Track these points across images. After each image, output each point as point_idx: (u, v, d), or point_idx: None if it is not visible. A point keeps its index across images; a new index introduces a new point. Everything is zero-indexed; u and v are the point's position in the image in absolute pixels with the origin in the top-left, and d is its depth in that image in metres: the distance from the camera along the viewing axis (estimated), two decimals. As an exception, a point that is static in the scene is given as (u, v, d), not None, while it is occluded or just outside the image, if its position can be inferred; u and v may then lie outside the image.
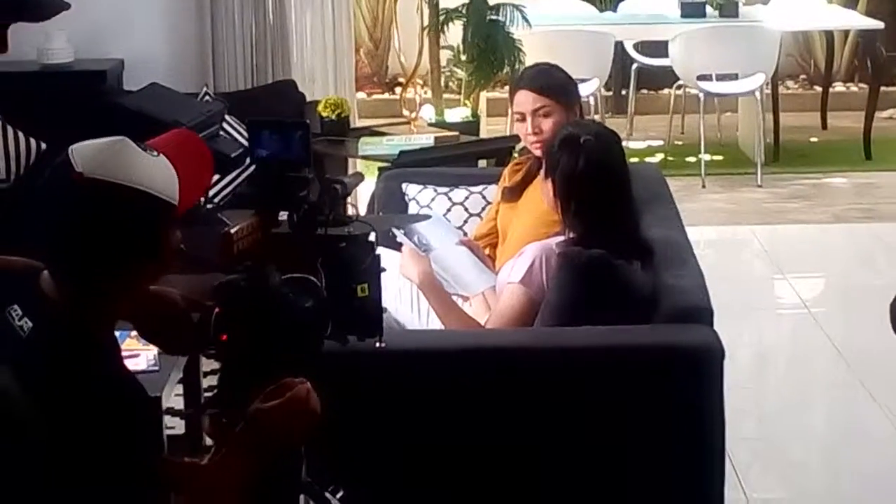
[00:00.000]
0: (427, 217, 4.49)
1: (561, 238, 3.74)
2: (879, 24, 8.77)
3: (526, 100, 4.25)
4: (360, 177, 2.82)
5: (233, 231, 2.59)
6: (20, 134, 5.88)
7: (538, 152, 4.23)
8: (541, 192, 4.12)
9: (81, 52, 6.43)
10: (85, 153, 2.25)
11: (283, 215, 2.72)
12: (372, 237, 2.74)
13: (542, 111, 4.22)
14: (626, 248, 3.65)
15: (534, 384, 3.29)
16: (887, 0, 10.07)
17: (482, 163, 5.99)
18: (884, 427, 4.83)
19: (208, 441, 4.13)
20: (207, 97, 5.92)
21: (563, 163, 3.71)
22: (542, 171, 3.94)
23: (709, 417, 3.29)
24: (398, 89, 10.34)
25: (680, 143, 9.07)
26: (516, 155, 5.15)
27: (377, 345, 2.68)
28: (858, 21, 9.18)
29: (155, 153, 2.30)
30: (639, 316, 3.46)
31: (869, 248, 7.20)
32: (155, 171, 2.28)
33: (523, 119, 4.26)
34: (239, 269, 2.53)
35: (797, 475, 4.59)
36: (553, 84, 4.29)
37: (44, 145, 5.87)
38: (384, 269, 2.75)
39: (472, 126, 7.21)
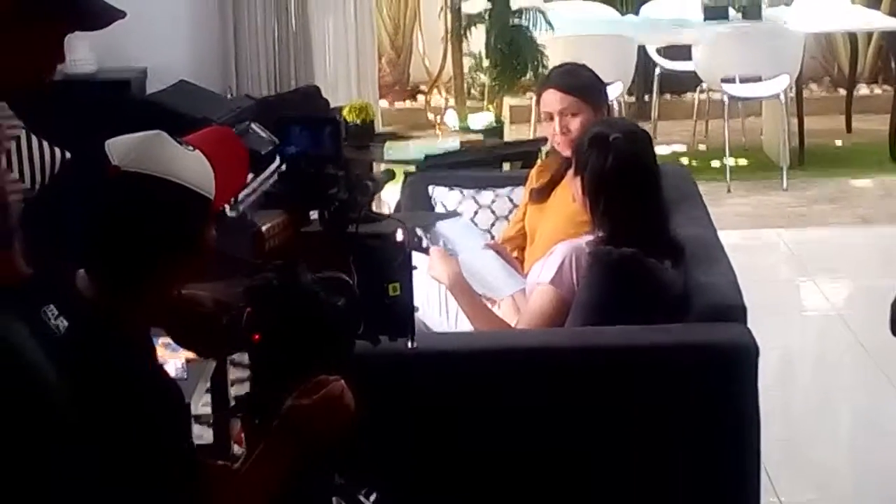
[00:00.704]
0: (458, 214, 4.47)
1: (590, 237, 3.71)
2: (901, 25, 8.73)
3: (553, 99, 4.22)
4: (390, 174, 2.81)
5: (264, 229, 2.57)
6: (44, 143, 5.87)
7: (566, 152, 4.20)
8: (570, 191, 4.10)
9: (104, 62, 6.42)
10: (121, 147, 2.24)
11: (314, 214, 2.71)
12: (403, 235, 2.73)
13: (570, 111, 4.19)
14: (657, 246, 3.62)
15: (566, 384, 3.26)
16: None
17: (506, 167, 5.97)
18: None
19: (237, 449, 4.14)
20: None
21: (593, 161, 3.69)
22: (570, 170, 3.92)
23: (744, 416, 3.26)
24: (420, 97, 10.35)
25: (704, 147, 9.03)
26: (543, 157, 5.13)
27: (409, 345, 2.66)
28: (882, 22, 9.12)
29: (191, 148, 2.29)
30: (670, 315, 3.44)
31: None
32: (191, 166, 2.26)
33: (551, 119, 4.23)
34: (270, 268, 2.51)
35: (828, 477, 4.55)
36: (581, 84, 4.26)
37: (68, 155, 5.85)
38: (416, 268, 2.73)
39: (495, 132, 7.16)
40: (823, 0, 9.24)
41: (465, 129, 7.07)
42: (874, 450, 4.75)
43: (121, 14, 2.63)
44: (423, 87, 10.49)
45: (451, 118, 7.39)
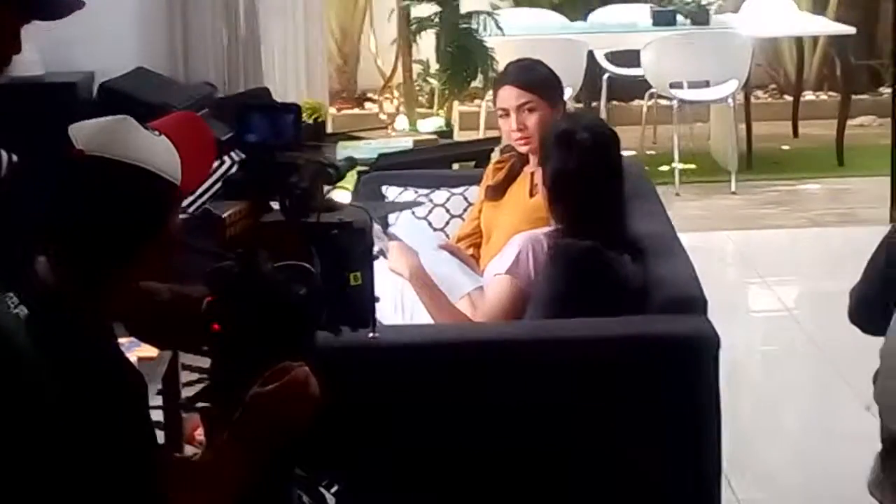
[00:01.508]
0: (419, 204, 4.44)
1: (548, 228, 3.69)
2: (851, 30, 8.78)
3: (510, 95, 4.20)
4: (352, 161, 2.77)
5: (225, 216, 2.54)
6: (-9, 146, 5.79)
7: (523, 149, 4.19)
8: (526, 187, 4.10)
9: (51, 65, 6.34)
10: (85, 131, 2.19)
11: (275, 203, 2.67)
12: (365, 224, 2.69)
13: (527, 107, 4.17)
14: (615, 241, 3.61)
15: (528, 377, 3.23)
16: (855, 8, 10.10)
17: (455, 167, 5.94)
18: (869, 424, 4.80)
19: (188, 450, 4.09)
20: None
21: (557, 157, 3.67)
22: (531, 163, 3.92)
23: (705, 406, 3.24)
24: (368, 105, 10.33)
25: (652, 152, 9.04)
26: (495, 155, 5.11)
27: (370, 335, 2.62)
28: (830, 27, 9.19)
29: (157, 133, 2.24)
30: (631, 307, 3.42)
31: (846, 251, 7.14)
32: (158, 151, 2.22)
33: (507, 115, 4.21)
34: (230, 257, 2.47)
35: (779, 475, 4.56)
36: (537, 79, 4.25)
37: (15, 157, 5.78)
38: (377, 257, 2.69)
39: (445, 137, 7.16)
40: (771, 6, 9.32)
41: (416, 134, 7.05)
42: (828, 448, 4.75)
43: (79, 4, 2.58)
44: (370, 95, 10.48)
45: (402, 123, 7.37)
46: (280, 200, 2.61)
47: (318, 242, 2.56)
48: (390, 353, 3.09)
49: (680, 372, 3.23)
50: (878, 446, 4.21)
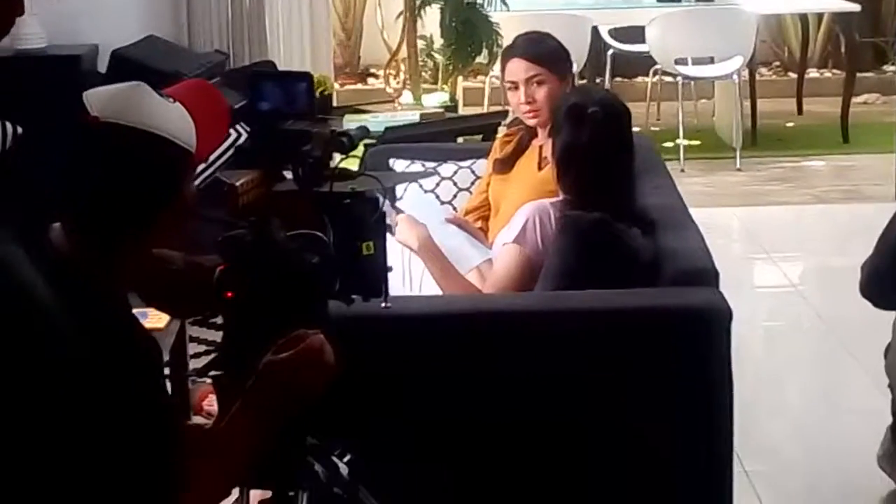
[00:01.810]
0: (431, 174, 4.42)
1: (556, 199, 3.68)
2: (856, 7, 8.75)
3: (519, 68, 4.18)
4: (365, 130, 2.74)
5: (238, 184, 2.52)
6: (-5, 116, 5.77)
7: (531, 122, 4.17)
8: (534, 160, 4.08)
9: (55, 38, 6.32)
10: (100, 97, 2.17)
11: (288, 172, 2.65)
12: (377, 193, 2.68)
13: (536, 79, 4.15)
14: (625, 214, 3.59)
15: (540, 349, 3.22)
16: (861, -15, 10.07)
17: (460, 141, 5.92)
18: (876, 399, 4.80)
19: (195, 420, 4.08)
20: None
21: (567, 131, 3.64)
22: (540, 135, 3.88)
23: (717, 380, 3.23)
24: (371, 80, 10.29)
25: (657, 129, 9.02)
26: (503, 128, 5.09)
27: (382, 305, 2.61)
28: (835, 4, 9.15)
29: (171, 100, 2.23)
30: (642, 280, 3.41)
31: (852, 227, 7.15)
32: (173, 118, 2.20)
33: (516, 88, 4.18)
34: (242, 225, 2.46)
35: (788, 448, 4.56)
36: (546, 52, 4.22)
37: (20, 129, 5.76)
38: (390, 227, 2.68)
39: (450, 111, 7.13)
40: (776, -18, 9.29)
41: (422, 107, 7.03)
42: (835, 422, 4.76)
43: None
44: (373, 70, 10.45)
45: (406, 98, 7.34)
46: (293, 169, 2.59)
47: (331, 211, 2.54)
48: (402, 323, 3.08)
49: (692, 344, 3.22)
50: (885, 421, 4.22)
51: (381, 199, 2.65)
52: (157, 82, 2.41)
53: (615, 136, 3.71)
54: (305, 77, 2.63)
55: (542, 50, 4.22)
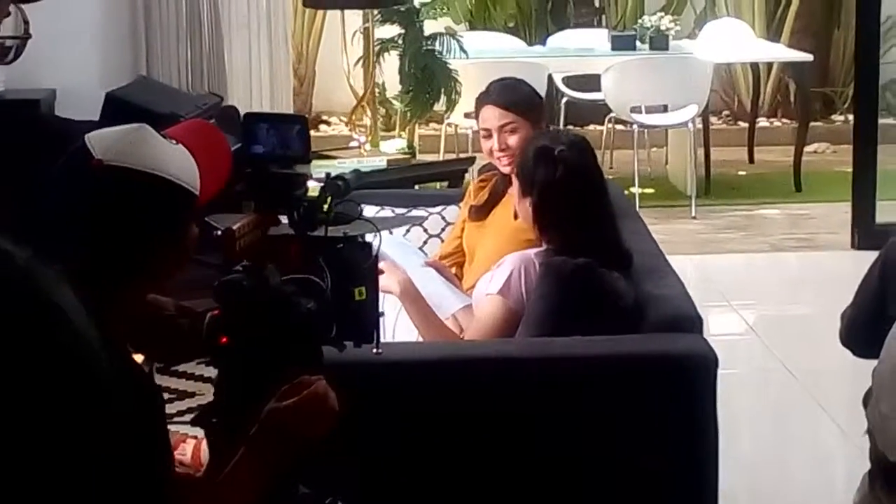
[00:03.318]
0: (424, 217, 4.42)
1: (539, 249, 3.66)
2: (809, 57, 8.84)
3: (492, 115, 4.18)
4: (360, 174, 2.73)
5: (234, 228, 2.48)
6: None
7: (505, 169, 4.16)
8: (510, 209, 4.06)
9: (12, 83, 6.27)
10: (103, 140, 2.14)
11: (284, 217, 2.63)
12: (370, 238, 2.66)
13: (509, 127, 4.15)
14: (607, 258, 3.58)
15: (522, 395, 3.20)
16: (808, 36, 10.19)
17: (417, 188, 5.90)
18: (842, 444, 4.82)
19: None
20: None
21: (541, 175, 3.63)
22: (516, 191, 3.82)
23: (703, 426, 3.23)
24: (323, 127, 10.29)
25: (611, 177, 8.97)
26: (469, 178, 5.09)
27: (374, 351, 2.59)
28: (788, 54, 9.25)
29: (174, 142, 2.20)
30: (624, 326, 3.40)
31: (809, 275, 7.23)
32: (176, 160, 2.18)
33: (489, 136, 4.18)
34: (237, 270, 2.43)
35: (753, 494, 4.55)
36: (520, 99, 4.23)
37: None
38: (382, 272, 2.66)
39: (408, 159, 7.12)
40: (728, 32, 9.37)
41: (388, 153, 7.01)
42: (802, 468, 4.77)
43: None
44: (324, 117, 10.44)
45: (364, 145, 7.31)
46: (288, 213, 2.56)
47: (325, 256, 2.52)
48: (390, 369, 3.05)
49: (680, 391, 3.22)
50: (855, 467, 4.23)
51: (373, 244, 2.64)
52: (153, 124, 2.38)
53: (588, 171, 3.71)
54: (299, 120, 2.61)
55: (515, 97, 4.22)
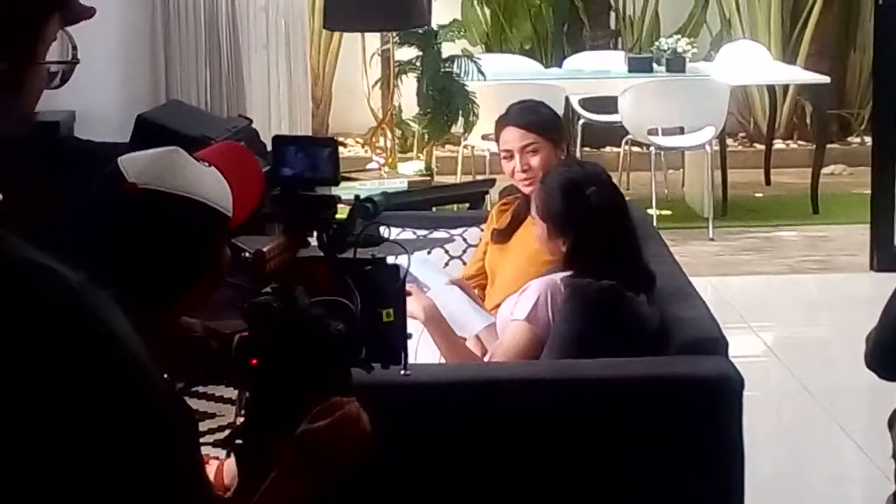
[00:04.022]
0: (452, 240, 4.42)
1: (565, 273, 3.65)
2: (826, 79, 8.85)
3: (514, 137, 4.18)
4: (388, 197, 2.73)
5: (265, 250, 2.48)
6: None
7: (527, 189, 4.16)
8: (532, 231, 4.05)
9: (32, 104, 6.28)
10: (136, 163, 2.14)
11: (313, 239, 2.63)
12: (399, 260, 2.66)
13: (531, 148, 4.16)
14: (631, 280, 3.58)
15: (548, 417, 3.19)
16: (825, 58, 10.20)
17: (434, 210, 5.90)
18: (862, 466, 4.81)
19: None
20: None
21: (575, 219, 3.60)
22: (541, 229, 3.79)
23: (729, 448, 3.21)
24: (340, 148, 10.28)
25: (628, 199, 9.02)
26: (490, 200, 5.09)
27: (402, 373, 2.58)
28: (804, 76, 9.25)
29: (207, 164, 2.20)
30: (649, 348, 3.40)
31: (826, 297, 7.23)
32: (209, 182, 2.18)
33: (511, 157, 4.19)
34: (266, 292, 2.43)
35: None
36: (541, 120, 4.23)
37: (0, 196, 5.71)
38: (409, 294, 2.66)
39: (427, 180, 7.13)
40: (745, 55, 9.38)
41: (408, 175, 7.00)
42: (822, 489, 4.75)
43: (89, 12, 2.51)
44: (341, 139, 10.46)
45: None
46: (317, 235, 2.56)
47: (353, 278, 2.52)
48: (416, 391, 3.04)
49: (706, 413, 3.20)
50: (878, 488, 4.22)
51: (402, 266, 2.64)
52: (184, 146, 2.39)
53: (617, 207, 3.72)
54: (329, 143, 2.61)
55: (536, 118, 4.23)
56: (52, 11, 1.67)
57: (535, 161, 4.14)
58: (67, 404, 1.49)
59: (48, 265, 1.50)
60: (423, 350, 3.87)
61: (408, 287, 3.91)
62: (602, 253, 3.57)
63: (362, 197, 2.64)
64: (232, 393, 4.48)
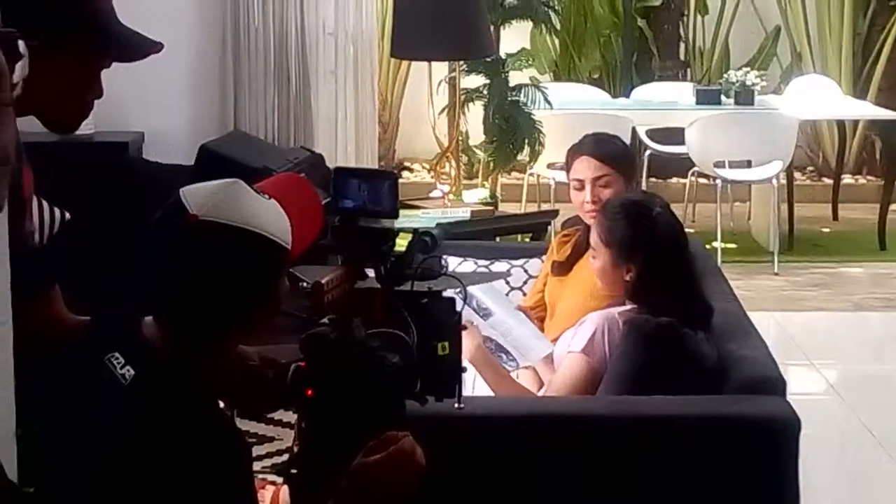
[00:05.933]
0: (510, 274, 4.42)
1: (623, 308, 3.65)
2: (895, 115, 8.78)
3: (587, 167, 4.17)
4: (446, 229, 2.74)
5: (324, 281, 2.50)
6: (44, 203, 5.78)
7: (591, 221, 4.15)
8: (590, 263, 4.04)
9: (102, 125, 6.36)
10: (198, 195, 2.18)
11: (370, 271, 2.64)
12: (454, 293, 2.66)
13: (603, 180, 4.15)
14: (689, 316, 3.56)
15: (604, 453, 3.19)
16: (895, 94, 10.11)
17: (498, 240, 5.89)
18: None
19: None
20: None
21: (634, 233, 3.60)
22: (593, 244, 3.79)
23: (785, 491, 3.19)
24: (406, 174, 10.33)
25: (693, 230, 9.00)
26: (555, 230, 5.08)
27: (456, 406, 2.59)
28: (875, 112, 9.18)
29: (267, 196, 2.23)
30: (706, 386, 3.38)
31: (892, 335, 7.16)
32: (269, 214, 2.21)
33: (582, 188, 4.17)
34: (324, 323, 2.45)
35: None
36: (616, 153, 4.23)
37: (68, 215, 5.77)
38: (465, 327, 2.67)
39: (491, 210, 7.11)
40: (815, 89, 9.32)
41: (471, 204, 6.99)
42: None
43: (157, 47, 2.55)
44: (407, 164, 10.50)
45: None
46: (375, 267, 2.58)
47: (410, 310, 2.53)
48: (470, 424, 3.04)
49: (761, 454, 3.18)
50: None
51: (458, 299, 2.64)
52: (245, 177, 2.41)
53: (679, 233, 3.70)
54: (390, 176, 2.62)
55: (610, 150, 4.22)
56: None
57: (605, 194, 4.12)
58: None
59: None
60: (480, 382, 3.87)
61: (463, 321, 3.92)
62: (664, 285, 3.56)
63: (421, 230, 2.66)
64: (292, 417, 4.52)
